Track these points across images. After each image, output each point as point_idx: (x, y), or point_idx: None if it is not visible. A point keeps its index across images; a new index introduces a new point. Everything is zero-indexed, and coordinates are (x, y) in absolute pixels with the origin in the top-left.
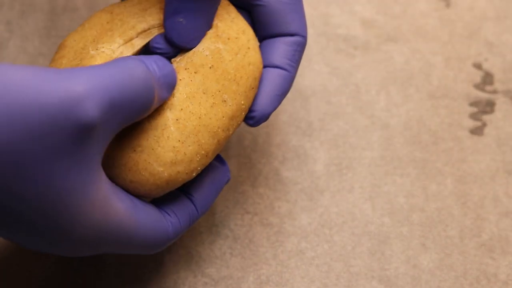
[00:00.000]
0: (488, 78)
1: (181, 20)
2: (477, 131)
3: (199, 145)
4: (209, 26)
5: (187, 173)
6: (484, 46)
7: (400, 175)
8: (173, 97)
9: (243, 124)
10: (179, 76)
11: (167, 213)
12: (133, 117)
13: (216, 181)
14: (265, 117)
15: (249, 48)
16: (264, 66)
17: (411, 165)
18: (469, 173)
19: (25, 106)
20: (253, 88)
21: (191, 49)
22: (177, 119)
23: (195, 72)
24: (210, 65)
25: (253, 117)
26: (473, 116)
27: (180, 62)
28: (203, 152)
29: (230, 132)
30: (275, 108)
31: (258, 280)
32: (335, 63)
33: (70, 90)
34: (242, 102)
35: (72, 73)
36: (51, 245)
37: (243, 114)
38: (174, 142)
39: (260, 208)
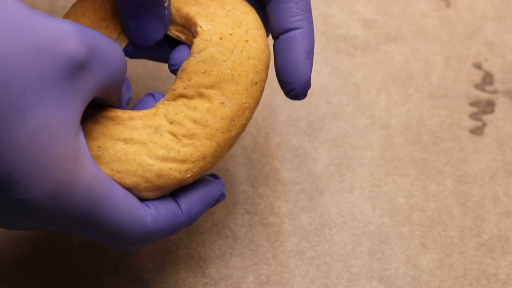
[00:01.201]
0: (488, 78)
1: (130, 23)
2: (477, 131)
3: (194, 147)
4: (164, 25)
5: (180, 171)
6: (484, 46)
7: (400, 175)
8: (169, 103)
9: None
10: (173, 86)
11: (146, 205)
12: (111, 78)
13: (206, 192)
14: (306, 85)
15: (247, 41)
16: (278, 35)
17: (411, 165)
18: (469, 173)
19: (19, 26)
20: (256, 82)
21: (152, 47)
22: (171, 123)
23: (188, 80)
24: (203, 71)
25: (294, 92)
26: (473, 116)
27: (179, 71)
28: (199, 153)
29: (233, 133)
30: (311, 70)
31: (258, 280)
32: (335, 63)
33: (61, 26)
34: (244, 101)
35: (61, 19)
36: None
37: (248, 112)
38: (167, 141)
39: (260, 208)
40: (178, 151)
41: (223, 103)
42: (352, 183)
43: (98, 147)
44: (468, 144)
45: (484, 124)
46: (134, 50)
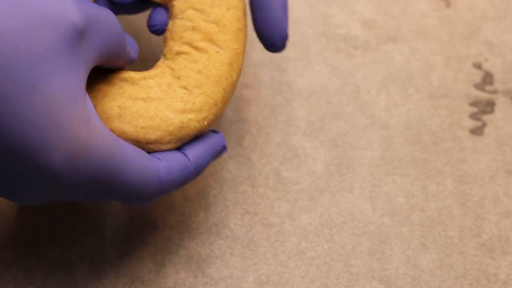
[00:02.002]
0: (488, 78)
1: None
2: (477, 131)
3: (206, 95)
4: None
5: (198, 121)
6: (484, 46)
7: (400, 175)
8: (170, 62)
9: (244, 124)
10: (168, 47)
11: (157, 158)
12: (109, 44)
13: (210, 143)
14: (284, 38)
15: None
16: None
17: (411, 165)
18: (469, 173)
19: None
20: (241, 29)
21: (127, 5)
22: (179, 77)
23: (181, 38)
24: (191, 27)
25: (274, 47)
26: (473, 116)
27: (166, 33)
28: (211, 101)
29: (234, 78)
30: (287, 24)
31: (258, 280)
32: (335, 63)
33: None
34: (236, 47)
35: None
36: (28, 170)
37: (240, 56)
38: (181, 94)
39: (260, 208)
40: (193, 102)
41: (218, 52)
42: (352, 183)
43: (119, 106)
44: (468, 144)
45: (484, 124)
46: (111, 7)
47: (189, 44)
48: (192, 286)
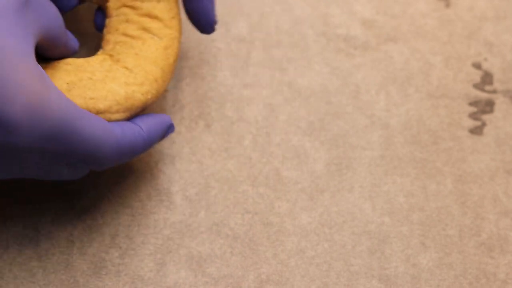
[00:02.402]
0: (487, 78)
1: None
2: (476, 131)
3: (145, 72)
4: None
5: (142, 93)
6: (483, 46)
7: (400, 175)
8: (110, 50)
9: (244, 123)
10: (106, 40)
11: (112, 124)
12: (50, 27)
13: (159, 118)
14: (213, 25)
15: None
16: None
17: (411, 165)
18: (469, 172)
19: None
20: (173, 17)
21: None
22: (118, 60)
23: (116, 30)
24: (125, 20)
25: (205, 31)
26: (473, 116)
27: (104, 31)
28: (151, 77)
29: (171, 60)
30: (214, 12)
31: (258, 279)
32: (335, 63)
33: None
34: (169, 32)
35: None
36: None
37: (176, 41)
38: (123, 71)
39: (260, 208)
40: (134, 77)
41: (152, 38)
42: (352, 182)
43: (67, 83)
44: (468, 143)
45: (484, 124)
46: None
47: (125, 34)
48: (193, 285)
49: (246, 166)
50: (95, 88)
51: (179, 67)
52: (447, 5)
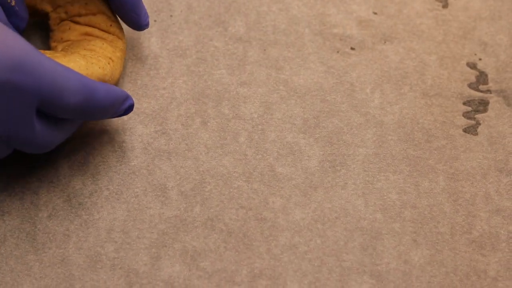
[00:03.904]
0: (482, 78)
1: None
2: (470, 130)
3: (98, 54)
4: (22, 19)
5: (100, 67)
6: (478, 46)
7: (393, 172)
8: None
9: (240, 120)
10: (54, 45)
11: None
12: None
13: (118, 90)
14: (145, 27)
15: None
16: None
17: (404, 162)
18: (461, 170)
19: None
20: (111, 25)
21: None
22: (72, 53)
23: (61, 38)
24: (68, 29)
25: (137, 30)
26: (466, 115)
27: (50, 42)
28: (106, 57)
29: (118, 53)
30: (143, 16)
31: (251, 274)
32: (330, 62)
33: None
34: (110, 35)
35: None
36: None
37: (119, 40)
38: (80, 56)
39: (255, 203)
40: (90, 57)
41: (97, 38)
42: (345, 179)
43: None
44: (461, 142)
45: (477, 123)
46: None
47: (69, 40)
48: (187, 279)
49: (241, 163)
50: (58, 60)
51: (176, 65)
52: (443, 5)
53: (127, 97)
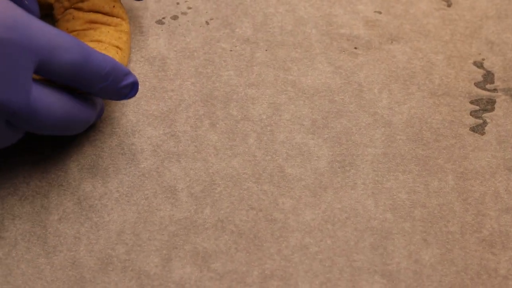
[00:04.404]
0: (489, 77)
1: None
2: (478, 129)
3: (108, 43)
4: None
5: (116, 52)
6: (485, 45)
7: (402, 172)
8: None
9: (249, 122)
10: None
11: None
12: None
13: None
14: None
15: None
16: None
17: (413, 162)
18: (470, 169)
19: None
20: (114, 6)
21: None
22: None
23: (66, 29)
24: (72, 18)
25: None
26: (474, 114)
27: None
28: (114, 45)
29: (124, 38)
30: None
31: (262, 275)
32: (338, 62)
33: None
34: (114, 18)
35: None
36: None
37: (124, 22)
38: (92, 43)
39: (265, 204)
40: (102, 42)
41: (101, 26)
42: (355, 179)
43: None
44: (469, 141)
45: (485, 122)
46: None
47: (74, 30)
48: (198, 280)
49: (250, 164)
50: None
51: (184, 66)
52: (449, 4)
53: (129, 73)
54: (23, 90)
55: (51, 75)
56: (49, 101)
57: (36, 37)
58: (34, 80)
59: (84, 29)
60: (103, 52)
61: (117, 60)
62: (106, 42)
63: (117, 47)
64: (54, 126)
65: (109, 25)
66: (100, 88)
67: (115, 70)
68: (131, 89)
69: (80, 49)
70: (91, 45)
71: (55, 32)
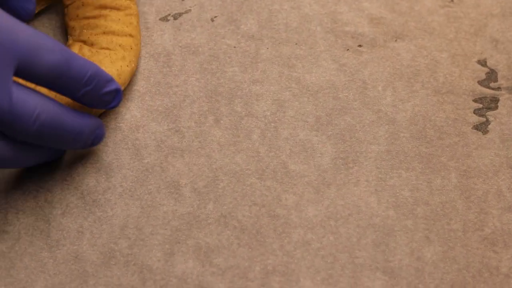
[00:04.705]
0: (492, 75)
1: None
2: (481, 127)
3: (120, 45)
4: (32, 4)
5: (127, 65)
6: (489, 43)
7: (405, 169)
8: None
9: (253, 118)
10: (71, 26)
11: None
12: None
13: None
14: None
15: None
16: None
17: (417, 160)
18: (473, 168)
19: None
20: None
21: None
22: (92, 44)
23: (77, 16)
24: (81, 4)
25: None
26: (478, 112)
27: (65, 19)
28: (127, 47)
29: (134, 22)
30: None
31: (264, 270)
32: (342, 59)
33: None
34: (123, 1)
35: None
36: None
37: (132, 3)
38: (103, 52)
39: (268, 200)
40: (115, 53)
41: (111, 11)
42: (358, 176)
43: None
44: (473, 139)
45: (488, 120)
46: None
47: (85, 17)
48: (200, 275)
49: (254, 160)
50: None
51: (189, 62)
52: (454, 2)
53: (112, 80)
54: (3, 91)
55: (32, 77)
56: (32, 103)
57: (17, 38)
58: (16, 82)
59: (94, 16)
60: (122, 62)
61: (134, 63)
62: (118, 34)
63: (130, 35)
64: (39, 132)
65: (118, 9)
66: (83, 94)
67: (98, 75)
68: (114, 97)
69: (61, 51)
70: (105, 41)
71: (36, 33)
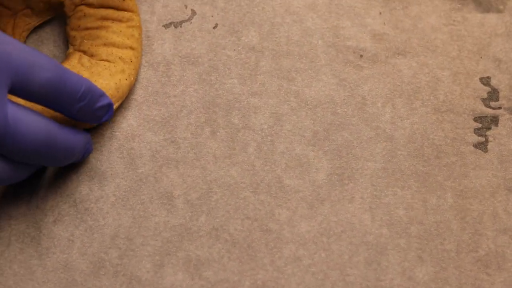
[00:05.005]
0: (494, 95)
1: None
2: (480, 147)
3: (119, 57)
4: None
5: (126, 78)
6: (492, 63)
7: (401, 187)
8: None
9: (249, 131)
10: (72, 35)
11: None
12: None
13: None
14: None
15: None
16: None
17: (413, 178)
18: (470, 188)
19: None
20: (123, 0)
21: None
22: (92, 54)
23: (78, 26)
24: (83, 15)
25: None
26: (477, 132)
27: (66, 29)
28: (127, 60)
29: (136, 34)
30: None
31: (254, 285)
32: (343, 74)
33: None
34: (125, 12)
35: None
36: None
37: (134, 16)
38: (102, 63)
39: (261, 214)
40: (114, 66)
41: (113, 22)
42: (353, 193)
43: None
44: (471, 159)
45: (488, 140)
46: None
47: (86, 28)
48: (189, 287)
49: (249, 173)
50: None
51: (188, 72)
52: (458, 20)
53: (103, 94)
54: None
55: (27, 95)
56: (27, 122)
57: (11, 55)
58: (10, 100)
59: (96, 27)
60: (122, 76)
61: (133, 76)
62: (119, 46)
63: (131, 47)
64: (35, 151)
65: (120, 21)
66: (77, 109)
67: (91, 91)
68: (106, 112)
69: (55, 68)
70: (105, 52)
71: (29, 50)
